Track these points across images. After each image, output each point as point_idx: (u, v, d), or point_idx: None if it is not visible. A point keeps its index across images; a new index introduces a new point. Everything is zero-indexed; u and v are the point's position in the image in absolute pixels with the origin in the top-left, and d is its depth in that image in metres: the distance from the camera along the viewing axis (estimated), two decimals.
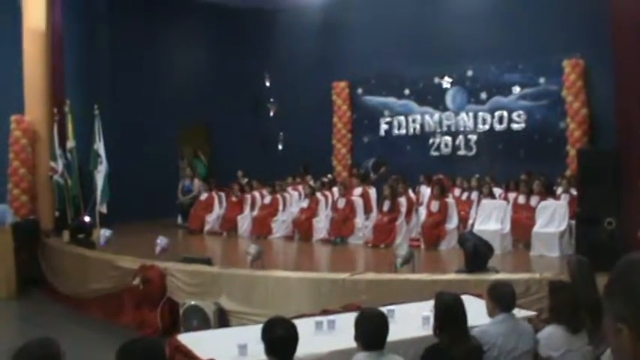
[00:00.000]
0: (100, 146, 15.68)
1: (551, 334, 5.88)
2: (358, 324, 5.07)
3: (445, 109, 20.54)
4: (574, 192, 13.57)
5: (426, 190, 16.59)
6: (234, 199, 17.78)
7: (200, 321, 10.22)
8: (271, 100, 22.92)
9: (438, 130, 20.64)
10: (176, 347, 6.26)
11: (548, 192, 14.58)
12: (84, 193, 16.38)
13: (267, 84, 23.07)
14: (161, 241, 12.82)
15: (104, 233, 14.84)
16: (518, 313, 6.41)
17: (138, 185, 18.12)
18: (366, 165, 19.54)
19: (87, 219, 15.60)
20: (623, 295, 1.55)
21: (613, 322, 1.55)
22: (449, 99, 20.50)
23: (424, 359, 5.36)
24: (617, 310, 1.55)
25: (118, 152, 16.95)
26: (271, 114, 22.92)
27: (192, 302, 10.51)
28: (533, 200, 14.13)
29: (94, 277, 12.78)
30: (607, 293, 1.60)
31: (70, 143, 16.19)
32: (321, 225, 15.76)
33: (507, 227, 13.56)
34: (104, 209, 15.77)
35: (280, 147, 22.74)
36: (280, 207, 16.95)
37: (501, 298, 5.89)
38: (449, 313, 5.44)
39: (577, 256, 7.85)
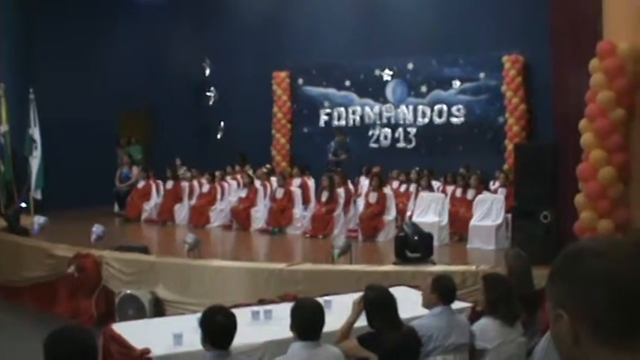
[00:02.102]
0: (35, 131, 15.35)
1: (486, 326, 5.93)
2: (294, 314, 5.07)
3: (385, 101, 20.64)
4: (511, 186, 13.76)
5: (364, 182, 16.65)
6: (168, 186, 17.66)
7: (135, 310, 10.11)
8: (211, 88, 22.76)
9: (378, 122, 20.74)
10: (110, 336, 6.19)
11: (484, 186, 14.77)
12: (18, 178, 16.04)
13: (207, 73, 22.92)
14: (97, 229, 12.63)
15: (38, 220, 14.58)
16: (454, 304, 6.46)
17: (74, 172, 17.81)
18: (329, 147, 19.37)
19: (23, 205, 15.33)
20: (565, 281, 1.57)
21: (554, 308, 1.57)
22: (389, 91, 20.60)
23: (361, 339, 5.39)
24: (558, 297, 1.58)
25: (54, 138, 16.63)
26: (211, 103, 22.77)
27: (128, 291, 10.39)
28: (470, 194, 14.28)
29: (27, 266, 12.55)
30: (550, 279, 1.62)
31: (3, 127, 15.78)
32: (260, 215, 15.70)
33: (445, 220, 13.66)
34: (39, 196, 15.48)
35: (219, 136, 22.60)
36: (219, 196, 16.84)
37: (445, 292, 5.92)
38: (376, 309, 5.48)
39: (514, 249, 7.94)
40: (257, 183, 16.66)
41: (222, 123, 22.61)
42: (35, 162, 15.38)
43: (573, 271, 1.55)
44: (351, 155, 18.73)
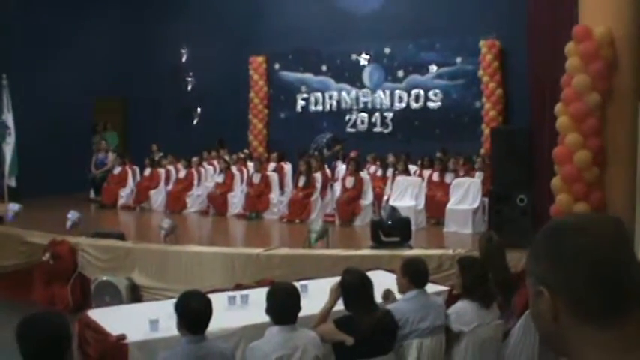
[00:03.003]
0: (8, 117, 15.21)
1: (462, 309, 5.95)
2: (269, 298, 5.07)
3: (362, 86, 20.61)
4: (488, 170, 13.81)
5: (341, 167, 16.65)
6: (145, 173, 17.56)
7: (112, 296, 10.07)
8: (190, 74, 22.68)
9: (355, 107, 20.71)
10: (86, 323, 6.15)
11: (470, 167, 14.88)
12: None
13: (184, 59, 22.83)
14: (72, 215, 12.55)
15: (12, 208, 14.42)
16: (431, 288, 6.47)
17: (50, 159, 17.69)
18: (321, 141, 19.36)
19: None
20: (546, 258, 1.56)
21: (534, 285, 1.57)
22: (366, 76, 20.57)
23: (337, 323, 5.38)
24: (539, 273, 1.57)
25: (29, 125, 16.49)
26: (189, 88, 22.69)
27: (104, 277, 10.36)
28: (448, 177, 14.31)
29: (1, 253, 12.42)
30: (531, 256, 1.61)
31: None
32: (236, 200, 15.67)
33: (422, 204, 13.69)
34: (13, 183, 15.35)
35: (195, 122, 22.53)
36: (195, 182, 16.80)
37: (415, 275, 5.92)
38: (352, 292, 5.48)
39: (488, 232, 7.96)
40: (234, 168, 16.61)
41: (198, 109, 22.52)
42: (9, 149, 15.25)
43: (554, 247, 1.54)
44: (345, 146, 18.76)
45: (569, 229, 1.56)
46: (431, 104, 19.57)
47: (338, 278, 5.73)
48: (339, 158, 17.79)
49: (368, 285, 5.51)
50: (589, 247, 1.50)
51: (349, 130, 20.66)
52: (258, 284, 7.82)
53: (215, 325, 5.05)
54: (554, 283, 1.52)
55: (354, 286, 5.50)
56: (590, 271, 1.48)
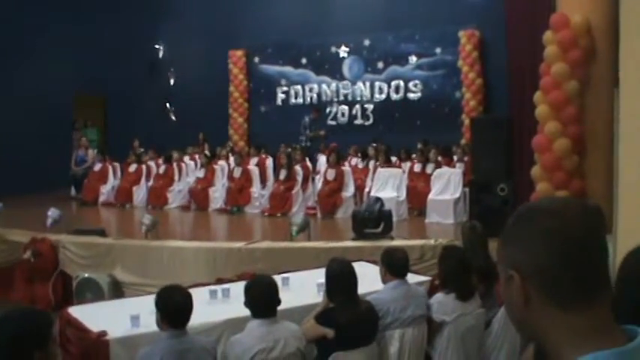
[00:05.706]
0: None
1: (443, 298, 5.95)
2: (247, 292, 5.05)
3: (342, 78, 20.65)
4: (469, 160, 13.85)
5: (322, 159, 16.65)
6: (131, 169, 17.46)
7: (94, 293, 10.00)
8: (171, 69, 22.60)
9: (335, 100, 20.75)
10: (67, 320, 6.10)
11: (449, 158, 14.93)
12: None
13: (162, 55, 22.77)
14: (53, 212, 12.45)
15: None
16: (413, 278, 6.47)
17: (29, 156, 17.58)
18: (305, 122, 19.36)
19: None
20: (517, 241, 1.55)
21: (505, 270, 1.56)
22: (346, 68, 20.60)
23: (318, 319, 5.37)
24: (510, 257, 1.56)
25: (7, 122, 16.40)
26: (172, 82, 22.61)
27: (86, 275, 10.27)
28: (429, 168, 14.33)
29: None
30: (502, 241, 1.60)
31: None
32: (218, 194, 15.64)
33: (403, 195, 13.70)
34: None
35: (174, 117, 22.46)
36: (176, 177, 16.74)
37: (394, 264, 5.91)
38: (336, 280, 5.46)
39: (470, 221, 7.96)
40: (219, 162, 16.64)
41: (169, 105, 22.49)
42: None
43: (526, 231, 1.53)
44: (328, 133, 18.80)
45: (540, 212, 1.54)
46: (411, 95, 19.61)
47: (320, 270, 5.71)
48: (322, 142, 17.78)
49: (352, 276, 5.48)
50: (560, 229, 1.48)
51: (330, 122, 20.68)
52: (240, 278, 7.78)
53: (197, 319, 5.03)
54: (525, 266, 1.50)
55: (339, 276, 5.47)
56: (561, 254, 1.47)
